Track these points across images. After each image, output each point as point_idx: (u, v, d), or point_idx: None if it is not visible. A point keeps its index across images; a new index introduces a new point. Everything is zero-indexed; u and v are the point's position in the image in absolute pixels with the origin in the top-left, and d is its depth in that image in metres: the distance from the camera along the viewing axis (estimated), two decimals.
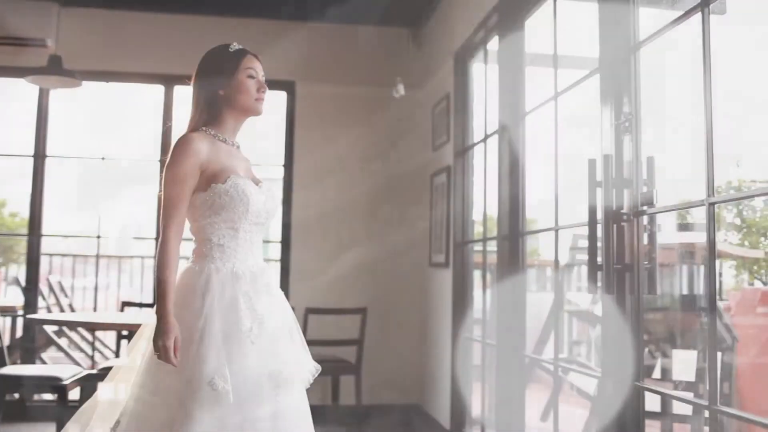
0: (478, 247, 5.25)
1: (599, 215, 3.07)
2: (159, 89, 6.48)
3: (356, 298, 6.19)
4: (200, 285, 2.41)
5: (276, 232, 6.57)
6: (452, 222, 5.46)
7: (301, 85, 6.51)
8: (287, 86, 6.54)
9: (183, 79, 6.35)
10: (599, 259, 3.08)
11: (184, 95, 6.45)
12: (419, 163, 6.46)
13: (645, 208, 2.98)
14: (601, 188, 3.06)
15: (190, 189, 2.45)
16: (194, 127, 2.58)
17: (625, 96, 3.12)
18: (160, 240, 2.41)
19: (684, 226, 5.19)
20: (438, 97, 5.96)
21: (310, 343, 5.35)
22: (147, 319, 4.61)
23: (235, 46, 2.68)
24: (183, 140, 2.50)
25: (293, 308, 5.54)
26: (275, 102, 6.78)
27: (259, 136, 8.73)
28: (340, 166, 6.47)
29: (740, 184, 5.16)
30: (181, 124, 6.61)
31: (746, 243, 5.64)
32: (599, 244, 3.07)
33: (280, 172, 6.56)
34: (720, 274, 6.23)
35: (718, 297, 6.54)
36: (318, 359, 5.51)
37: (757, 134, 5.01)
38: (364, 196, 6.46)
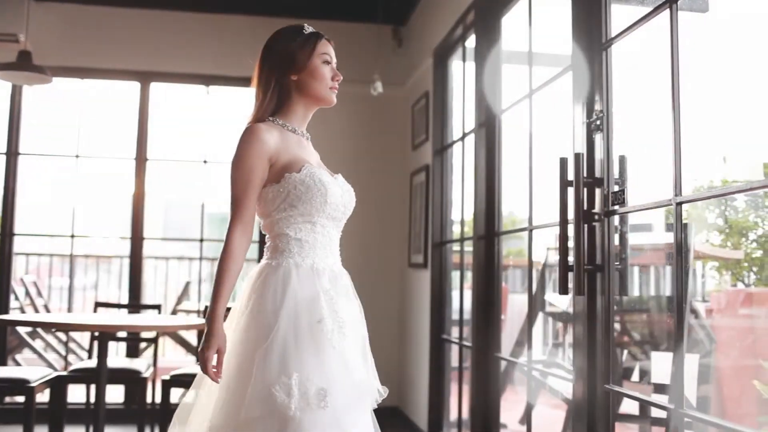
0: (457, 247, 5.24)
1: (570, 215, 3.06)
2: (135, 86, 6.44)
3: None
4: (278, 281, 2.24)
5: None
6: (431, 222, 5.45)
7: None
8: None
9: (159, 76, 6.37)
10: (570, 260, 3.06)
11: (160, 92, 6.43)
12: (399, 162, 6.45)
13: (616, 207, 2.97)
14: (572, 187, 3.05)
15: (259, 184, 2.29)
16: (260, 117, 2.39)
17: (597, 93, 3.11)
18: (225, 241, 2.25)
19: (671, 226, 5.21)
20: (417, 95, 5.95)
21: None
22: (120, 319, 4.59)
23: (309, 28, 2.51)
24: (248, 131, 2.31)
25: None
26: (250, 99, 6.76)
27: (234, 134, 8.71)
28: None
29: (723, 184, 5.17)
30: (158, 121, 6.57)
31: (728, 244, 5.65)
32: (570, 244, 3.06)
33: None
34: (702, 276, 6.24)
35: (701, 299, 6.57)
36: None
37: (740, 133, 5.02)
38: None
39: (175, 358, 8.61)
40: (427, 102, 5.64)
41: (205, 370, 2.16)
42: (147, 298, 9.15)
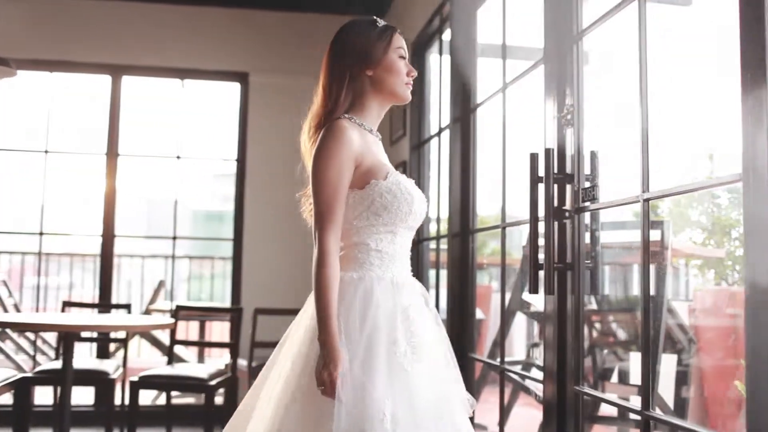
0: (434, 245, 5.23)
1: (540, 212, 3.04)
2: (106, 80, 6.39)
3: (304, 298, 6.11)
4: (359, 296, 2.15)
5: (228, 229, 6.51)
6: None
7: (255, 76, 6.45)
8: (240, 77, 6.48)
9: (131, 70, 6.32)
10: (540, 258, 3.04)
11: (132, 86, 6.38)
12: None
13: (587, 204, 2.95)
14: (543, 183, 3.03)
15: (347, 186, 2.18)
16: (337, 116, 2.28)
17: (568, 87, 3.09)
18: (317, 251, 2.14)
19: (656, 224, 5.21)
20: None
21: (260, 345, 5.40)
22: (86, 319, 4.55)
23: (381, 21, 2.41)
24: (335, 129, 2.19)
25: (242, 309, 5.51)
26: (227, 94, 6.73)
27: (211, 130, 8.69)
28: (295, 160, 6.38)
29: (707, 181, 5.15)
30: (131, 116, 6.49)
31: (711, 242, 5.65)
32: (540, 241, 3.04)
33: (233, 167, 6.50)
34: (686, 275, 6.25)
35: (684, 298, 6.57)
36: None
37: (727, 129, 5.02)
38: None
39: (152, 360, 8.55)
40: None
41: (332, 392, 2.01)
42: (122, 298, 9.12)
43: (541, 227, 3.01)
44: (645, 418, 2.46)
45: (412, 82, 2.38)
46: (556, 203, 3.03)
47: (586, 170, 3.01)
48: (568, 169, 3.05)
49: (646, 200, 2.49)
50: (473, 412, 2.41)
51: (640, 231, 2.55)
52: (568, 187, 3.04)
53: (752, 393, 1.83)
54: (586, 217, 3.01)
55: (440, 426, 2.11)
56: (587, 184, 2.98)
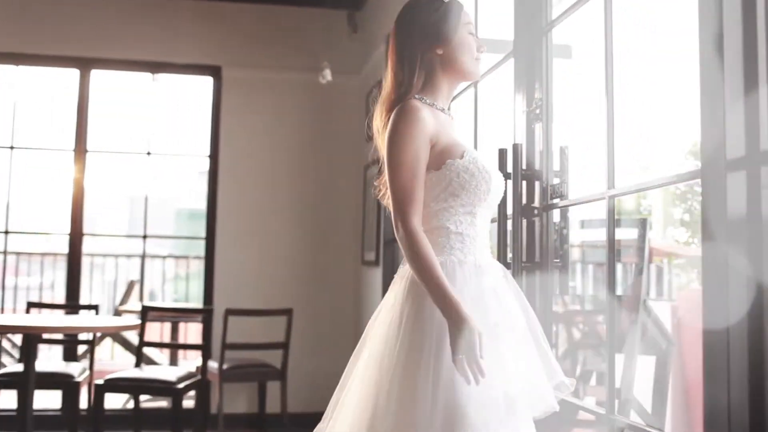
0: None
1: (508, 209, 3.03)
2: (74, 73, 6.34)
3: (284, 298, 6.11)
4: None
5: (184, 227, 6.47)
6: (383, 217, 5.41)
7: (228, 70, 6.41)
8: (213, 71, 6.45)
9: (100, 63, 6.27)
10: (509, 257, 3.03)
11: (101, 80, 6.34)
12: (353, 154, 6.41)
13: (556, 201, 2.94)
14: (511, 180, 3.02)
15: (424, 168, 2.13)
16: (408, 97, 2.22)
17: (537, 81, 3.08)
18: (403, 236, 2.06)
19: (625, 222, 5.20)
20: (372, 84, 5.91)
21: (232, 347, 5.37)
22: (48, 320, 4.51)
23: None
24: (406, 109, 2.14)
25: (212, 310, 5.48)
26: (200, 88, 6.69)
27: (183, 125, 8.65)
28: (269, 156, 6.39)
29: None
30: (100, 111, 6.43)
31: (695, 241, 5.65)
32: (508, 240, 3.03)
33: (205, 164, 6.46)
34: (669, 273, 6.25)
35: (667, 298, 6.58)
36: (242, 364, 5.57)
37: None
38: (295, 188, 6.39)
39: (126, 363, 8.50)
40: (380, 91, 5.59)
41: (476, 359, 1.92)
42: (96, 299, 9.07)
43: (509, 225, 3.00)
44: (610, 423, 2.45)
45: (481, 58, 2.34)
46: (524, 200, 3.02)
47: (555, 166, 3.00)
48: (537, 166, 3.04)
49: (612, 197, 2.48)
50: None
51: (619, 230, 2.53)
52: (537, 184, 3.03)
53: (709, 391, 1.83)
54: (556, 215, 3.00)
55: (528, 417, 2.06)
56: (556, 181, 2.97)
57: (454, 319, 1.96)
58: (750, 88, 1.81)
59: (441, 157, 2.16)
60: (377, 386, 2.06)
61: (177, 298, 10.14)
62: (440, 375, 1.97)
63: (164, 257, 10.02)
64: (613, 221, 2.50)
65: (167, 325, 7.77)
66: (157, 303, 8.28)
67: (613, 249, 2.50)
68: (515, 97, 3.19)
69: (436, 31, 2.25)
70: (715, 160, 1.84)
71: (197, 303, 8.73)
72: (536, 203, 3.02)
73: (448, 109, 2.34)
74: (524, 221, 3.02)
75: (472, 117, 3.82)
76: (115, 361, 8.77)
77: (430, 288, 2.01)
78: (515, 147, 3.03)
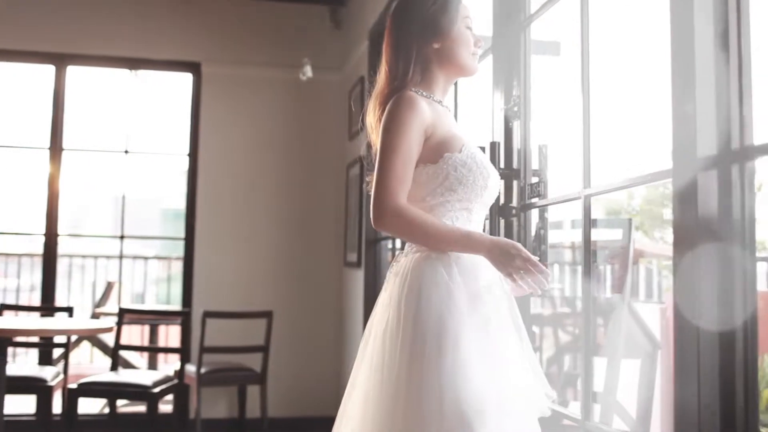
0: (392, 245, 5.20)
1: None
2: (50, 70, 6.31)
3: (264, 300, 6.09)
4: (439, 277, 2.06)
5: (170, 227, 6.45)
6: (365, 217, 5.40)
7: (208, 67, 6.39)
8: (192, 68, 6.42)
9: (76, 59, 6.24)
10: None
11: (77, 76, 6.31)
12: (335, 153, 6.40)
13: (535, 200, 2.94)
14: None
15: (416, 158, 2.13)
16: (403, 91, 2.20)
17: (515, 78, 3.08)
18: (395, 216, 2.05)
19: (610, 222, 5.21)
20: (354, 81, 5.90)
21: (210, 350, 5.36)
22: (20, 323, 4.48)
23: None
24: (403, 98, 2.13)
25: (190, 312, 5.46)
26: (179, 85, 6.66)
27: (162, 123, 8.63)
28: (249, 155, 6.37)
29: None
30: (76, 108, 6.40)
31: None
32: None
33: (184, 162, 6.44)
34: (658, 276, 6.25)
35: (657, 300, 6.58)
36: (221, 368, 5.55)
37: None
38: (276, 188, 6.37)
39: (105, 366, 8.47)
40: (362, 88, 5.59)
41: (532, 262, 2.00)
42: (74, 301, 9.03)
43: (487, 225, 2.99)
44: (585, 429, 2.45)
45: (479, 53, 2.33)
46: (502, 200, 3.02)
47: (534, 165, 3.00)
48: (515, 164, 3.04)
49: (588, 196, 2.48)
50: None
51: (605, 230, 2.53)
52: (515, 183, 3.03)
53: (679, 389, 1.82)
54: (535, 215, 2.99)
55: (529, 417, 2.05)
56: (534, 180, 2.97)
57: (486, 249, 2.04)
58: (721, 85, 1.81)
59: (438, 149, 2.14)
60: (381, 387, 2.05)
61: (162, 300, 10.11)
62: (444, 371, 1.95)
63: (148, 258, 10.00)
64: (589, 221, 2.50)
65: (148, 328, 7.75)
66: (135, 305, 8.25)
67: (588, 250, 2.49)
68: (494, 94, 3.19)
69: (434, 25, 2.24)
70: (686, 158, 1.83)
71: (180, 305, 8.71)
72: (514, 203, 3.02)
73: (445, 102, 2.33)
74: (502, 221, 3.02)
75: (452, 114, 3.81)
76: (94, 365, 8.74)
77: (447, 246, 2.07)
78: (493, 145, 3.04)
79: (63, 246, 9.54)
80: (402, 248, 2.31)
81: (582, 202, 2.49)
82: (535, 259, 2.01)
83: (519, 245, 2.04)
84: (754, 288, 1.78)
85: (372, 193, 2.11)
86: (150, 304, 9.58)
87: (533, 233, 2.96)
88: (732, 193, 1.78)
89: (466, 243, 2.06)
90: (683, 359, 1.83)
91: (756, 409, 1.77)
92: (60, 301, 7.80)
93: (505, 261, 2.01)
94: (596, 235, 4.45)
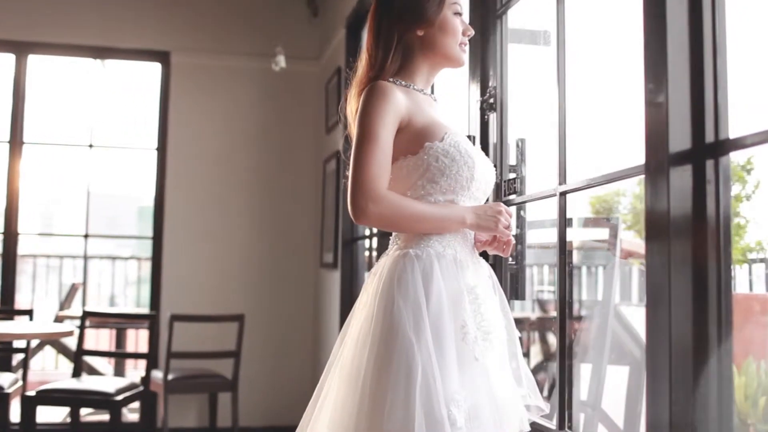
0: (369, 243, 5.18)
1: None
2: (10, 59, 6.27)
3: (236, 302, 6.06)
4: (418, 275, 2.02)
5: (147, 226, 6.42)
6: (342, 216, 5.37)
7: (178, 56, 6.35)
8: (161, 57, 6.38)
9: (38, 47, 6.19)
10: None
11: (38, 66, 6.26)
12: (311, 147, 6.38)
13: (512, 197, 2.92)
14: None
15: (392, 145, 2.09)
16: (381, 80, 2.17)
17: (491, 67, 3.06)
18: (378, 206, 2.01)
19: (606, 221, 5.17)
20: (331, 72, 5.87)
21: (178, 356, 5.32)
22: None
23: None
24: (375, 89, 2.09)
25: (156, 315, 5.42)
26: (146, 76, 6.61)
27: (129, 116, 8.58)
28: (220, 150, 6.34)
29: None
30: (38, 100, 6.36)
31: None
32: None
33: (153, 157, 6.40)
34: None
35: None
36: (189, 374, 5.51)
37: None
38: (248, 185, 6.35)
39: (69, 371, 8.42)
40: (339, 79, 5.57)
41: (499, 219, 2.11)
42: (42, 303, 8.98)
43: None
44: None
45: (468, 42, 2.29)
46: None
47: (511, 160, 2.98)
48: (491, 159, 3.01)
49: (563, 193, 2.46)
50: None
51: (594, 230, 2.51)
52: None
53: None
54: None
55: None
56: (511, 176, 2.95)
57: (468, 221, 2.09)
58: (696, 75, 1.79)
59: (418, 139, 2.10)
60: (351, 389, 2.02)
61: (137, 303, 10.04)
62: (412, 381, 1.91)
63: (127, 259, 9.97)
64: (564, 219, 2.48)
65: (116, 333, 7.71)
66: (102, 308, 8.20)
67: (564, 250, 2.48)
68: (469, 85, 3.16)
69: (417, 10, 2.19)
70: (658, 153, 1.82)
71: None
72: (490, 200, 3.00)
73: (431, 92, 2.30)
74: None
75: (437, 104, 3.79)
76: (59, 371, 8.68)
77: (435, 224, 2.08)
78: (467, 139, 3.01)
79: (30, 246, 9.50)
80: (378, 249, 2.28)
81: (557, 199, 2.47)
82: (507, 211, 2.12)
83: (500, 204, 2.13)
84: (729, 291, 1.76)
85: (349, 185, 2.06)
86: (122, 308, 9.53)
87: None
88: (707, 189, 1.77)
89: (453, 222, 2.08)
90: (654, 368, 1.81)
91: (730, 422, 1.75)
92: (24, 303, 7.76)
93: (491, 225, 2.10)
94: (582, 235, 4.44)
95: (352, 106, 2.27)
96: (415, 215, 2.05)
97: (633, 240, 5.55)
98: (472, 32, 2.28)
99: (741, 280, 6.96)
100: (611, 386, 4.08)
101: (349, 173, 2.07)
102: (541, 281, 6.72)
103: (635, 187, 6.88)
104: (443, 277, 2.04)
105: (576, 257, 4.87)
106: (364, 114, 2.08)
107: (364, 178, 2.03)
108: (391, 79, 2.18)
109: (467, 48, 2.29)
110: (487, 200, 2.58)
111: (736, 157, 7.00)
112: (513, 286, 2.96)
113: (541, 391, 5.08)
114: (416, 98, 2.17)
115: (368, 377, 1.97)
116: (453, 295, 2.03)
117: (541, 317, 5.94)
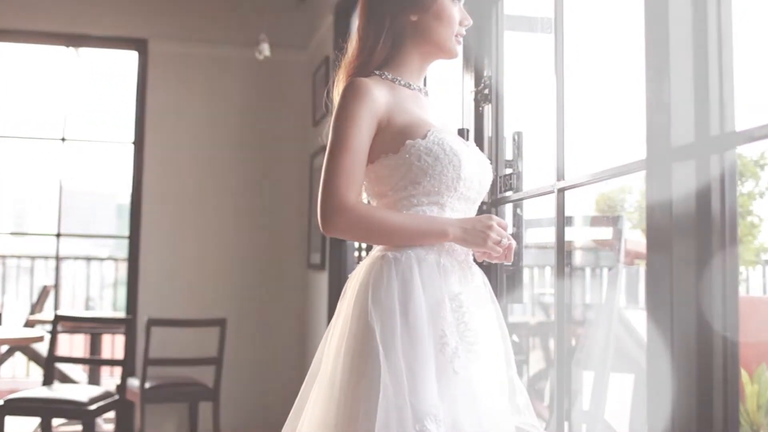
0: (358, 244, 5.18)
1: None
2: None
3: (218, 306, 6.06)
4: (394, 279, 2.00)
5: (125, 225, 6.41)
6: None
7: (156, 44, 6.34)
8: (138, 45, 6.37)
9: (6, 35, 6.17)
10: None
11: (7, 54, 6.25)
12: (298, 141, 6.37)
13: (509, 194, 2.92)
14: None
15: (367, 150, 2.08)
16: (364, 71, 2.17)
17: (486, 56, 3.05)
18: (346, 217, 2.00)
19: (610, 220, 5.17)
20: (318, 61, 5.87)
21: (156, 362, 5.31)
22: None
23: None
24: (353, 85, 2.08)
25: (132, 319, 5.41)
26: (122, 65, 6.60)
27: (103, 108, 8.57)
28: (202, 144, 6.33)
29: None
30: (3, 87, 6.35)
31: None
32: None
33: (129, 152, 6.39)
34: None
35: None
36: (168, 382, 5.51)
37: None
38: (231, 181, 6.34)
39: (40, 379, 8.41)
40: (327, 69, 5.56)
41: (494, 236, 2.06)
42: (14, 307, 8.97)
43: None
44: None
45: (464, 33, 2.25)
46: None
47: (507, 155, 2.98)
48: (486, 154, 3.00)
49: (561, 190, 2.46)
50: None
51: (601, 229, 2.51)
52: None
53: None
54: (509, 210, 2.98)
55: None
56: (508, 171, 2.95)
57: (451, 236, 2.05)
58: (700, 63, 1.79)
59: (400, 137, 2.07)
60: (326, 402, 2.01)
61: (117, 307, 10.02)
62: (377, 386, 1.90)
63: (103, 260, 9.96)
64: (562, 217, 2.48)
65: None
66: (75, 312, 8.18)
67: (562, 250, 2.48)
68: (463, 75, 3.16)
69: None
70: (660, 147, 1.81)
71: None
72: (485, 197, 2.99)
73: (423, 86, 2.28)
74: None
75: (427, 98, 3.79)
76: (30, 379, 8.67)
77: (412, 237, 2.05)
78: (461, 132, 3.02)
79: (0, 245, 9.48)
80: (367, 249, 2.28)
81: (555, 196, 2.47)
82: (503, 228, 2.08)
83: (492, 218, 2.08)
84: (736, 294, 1.76)
85: (319, 195, 2.06)
86: (99, 311, 9.51)
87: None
88: (711, 185, 1.76)
89: (433, 236, 2.05)
90: (655, 375, 1.80)
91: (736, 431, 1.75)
92: None
93: (479, 241, 2.06)
94: (585, 234, 4.44)
95: (339, 90, 2.23)
96: (386, 228, 2.04)
97: (640, 240, 5.54)
98: (470, 22, 2.24)
99: (754, 283, 6.97)
100: (615, 395, 4.07)
101: (323, 176, 2.05)
102: (542, 284, 6.71)
103: (642, 183, 6.88)
104: (423, 284, 2.02)
105: (579, 258, 4.87)
106: (338, 117, 2.07)
107: (332, 188, 2.02)
108: (377, 72, 2.17)
109: (461, 39, 2.24)
110: (483, 202, 2.59)
111: (747, 152, 7.01)
112: (509, 288, 2.95)
113: (542, 400, 5.09)
114: (400, 94, 2.15)
115: (342, 390, 1.97)
116: (433, 302, 2.01)
117: (542, 322, 5.94)
